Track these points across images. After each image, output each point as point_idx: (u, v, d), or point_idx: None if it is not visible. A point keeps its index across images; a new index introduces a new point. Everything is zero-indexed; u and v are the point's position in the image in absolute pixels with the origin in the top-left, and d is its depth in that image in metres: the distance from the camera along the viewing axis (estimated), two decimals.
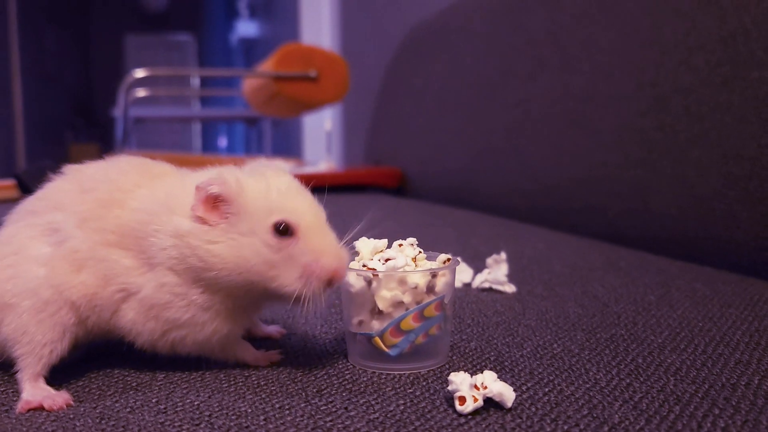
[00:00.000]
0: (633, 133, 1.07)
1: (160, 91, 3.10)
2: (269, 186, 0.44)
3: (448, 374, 0.45)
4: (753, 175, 0.84)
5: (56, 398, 0.41)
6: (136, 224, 0.43)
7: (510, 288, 0.68)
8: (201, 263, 0.42)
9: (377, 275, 0.45)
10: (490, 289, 0.69)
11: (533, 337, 0.53)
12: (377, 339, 0.46)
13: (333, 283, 0.43)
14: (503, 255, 0.70)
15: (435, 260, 0.49)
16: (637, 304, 0.62)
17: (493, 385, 0.39)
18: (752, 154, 0.84)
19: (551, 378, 0.44)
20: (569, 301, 0.64)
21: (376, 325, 0.46)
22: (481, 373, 0.40)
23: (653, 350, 0.50)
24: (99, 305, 0.44)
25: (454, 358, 0.48)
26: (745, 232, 0.84)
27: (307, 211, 0.44)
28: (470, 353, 0.50)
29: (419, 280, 0.46)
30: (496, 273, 0.69)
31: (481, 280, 0.70)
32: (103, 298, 0.44)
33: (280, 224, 0.42)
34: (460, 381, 0.39)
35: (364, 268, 0.46)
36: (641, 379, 0.44)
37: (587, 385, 0.43)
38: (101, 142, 3.88)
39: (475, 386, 0.39)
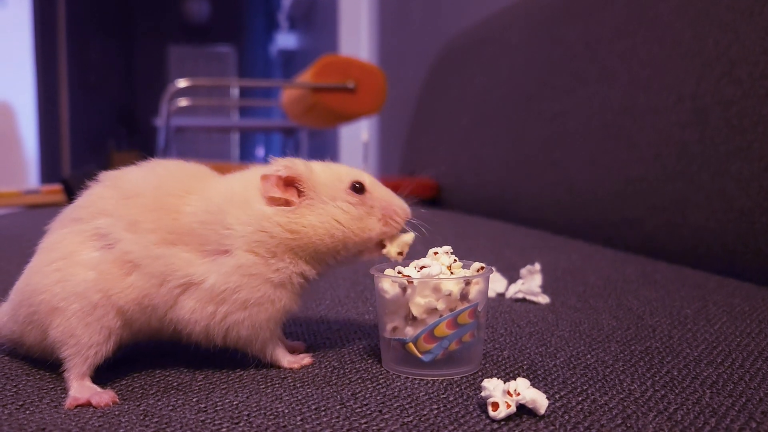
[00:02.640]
0: (672, 146, 1.06)
1: (200, 101, 3.16)
2: (325, 164, 0.50)
3: (481, 381, 0.45)
4: None
5: (102, 395, 0.42)
6: (198, 224, 0.46)
7: (544, 299, 0.68)
8: (293, 235, 0.46)
9: (412, 282, 0.46)
10: (524, 300, 0.69)
11: (566, 347, 0.53)
12: (411, 345, 0.47)
13: (405, 220, 0.50)
14: (537, 266, 0.70)
15: (469, 269, 0.49)
16: (673, 318, 0.62)
17: (527, 392, 0.39)
18: None
19: (584, 387, 0.44)
20: (603, 312, 0.64)
21: (410, 332, 0.47)
22: (514, 380, 0.40)
23: (689, 363, 0.49)
24: (152, 305, 0.45)
25: (487, 365, 0.49)
26: None
27: (364, 174, 0.51)
28: (503, 361, 0.50)
29: (453, 287, 0.46)
30: (530, 284, 0.69)
31: (515, 290, 0.70)
32: (158, 296, 0.45)
33: (356, 183, 0.49)
34: (493, 387, 0.40)
35: (399, 275, 0.47)
36: (676, 391, 0.44)
37: (621, 396, 0.43)
38: (142, 150, 3.97)
39: (509, 392, 0.39)
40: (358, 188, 0.49)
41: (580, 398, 0.42)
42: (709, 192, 0.96)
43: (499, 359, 0.50)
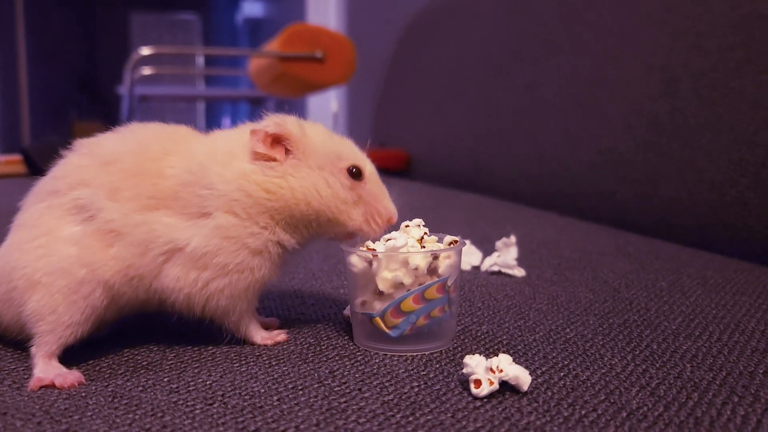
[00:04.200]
0: (642, 118, 1.06)
1: (165, 69, 3.08)
2: (322, 131, 0.48)
3: (461, 357, 0.44)
4: (767, 161, 0.83)
5: (68, 376, 0.40)
6: (181, 186, 0.44)
7: (519, 272, 0.67)
8: (269, 195, 0.44)
9: (377, 256, 0.45)
10: (500, 273, 0.68)
11: (545, 321, 0.53)
12: (378, 319, 0.46)
13: (389, 225, 0.48)
14: (513, 238, 0.69)
15: (442, 242, 0.48)
16: (649, 290, 0.62)
17: (509, 368, 0.38)
18: (766, 140, 0.83)
19: (566, 363, 0.43)
20: (580, 286, 0.63)
21: (378, 306, 0.46)
22: (496, 356, 0.39)
23: (667, 336, 0.49)
24: (137, 276, 0.43)
25: (466, 340, 0.48)
26: (757, 220, 0.83)
27: (366, 160, 0.49)
28: (482, 336, 0.49)
29: (420, 261, 0.45)
30: (506, 256, 0.68)
31: (491, 263, 0.69)
32: (143, 266, 0.43)
33: (354, 168, 0.47)
34: (475, 364, 0.39)
35: (365, 249, 0.46)
36: (657, 365, 0.43)
37: (603, 371, 0.42)
38: (105, 119, 3.87)
39: (491, 369, 0.38)
40: (354, 173, 0.47)
41: (561, 374, 0.42)
42: (679, 164, 0.97)
43: (478, 334, 0.50)
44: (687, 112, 0.97)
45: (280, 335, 0.48)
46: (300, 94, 3.10)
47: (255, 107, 3.83)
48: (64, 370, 0.41)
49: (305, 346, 0.47)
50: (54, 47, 3.98)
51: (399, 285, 0.45)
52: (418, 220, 0.49)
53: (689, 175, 0.94)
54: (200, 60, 3.94)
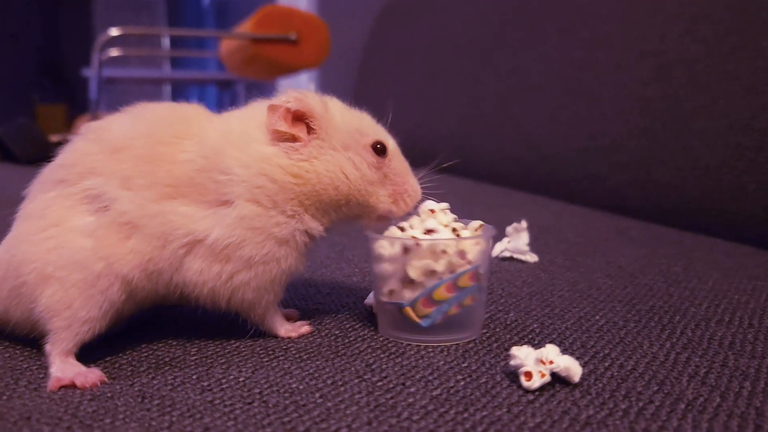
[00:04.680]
0: (634, 103, 1.06)
1: (134, 51, 2.99)
2: (343, 107, 0.45)
3: (498, 347, 0.43)
4: (763, 146, 0.83)
5: (89, 375, 0.38)
6: (196, 172, 0.41)
7: (532, 257, 0.66)
8: (295, 179, 0.42)
9: (419, 243, 0.43)
10: (511, 258, 0.67)
11: (571, 308, 0.51)
12: (408, 309, 0.44)
13: (415, 205, 0.46)
14: (524, 223, 0.68)
15: (467, 227, 0.46)
16: (665, 276, 0.61)
17: (560, 359, 0.37)
18: (762, 125, 0.83)
19: (606, 352, 0.42)
20: (595, 271, 0.62)
21: (408, 295, 0.44)
22: (522, 346, 0.38)
23: (699, 323, 0.48)
24: (157, 270, 0.41)
25: (497, 329, 0.47)
26: (753, 204, 0.83)
27: (386, 134, 0.46)
28: (511, 325, 0.48)
29: (455, 248, 0.43)
30: (517, 242, 0.67)
31: (501, 248, 0.68)
32: (162, 259, 0.40)
33: (378, 144, 0.44)
34: (524, 356, 0.37)
35: (402, 235, 0.44)
36: (699, 353, 0.42)
37: (646, 360, 0.41)
38: (69, 102, 3.75)
39: (541, 361, 0.37)
40: (379, 149, 0.44)
41: (606, 363, 0.40)
42: (673, 149, 0.96)
43: (507, 322, 0.48)
44: (681, 97, 0.96)
45: (303, 327, 0.46)
46: (272, 77, 3.05)
47: (223, 90, 3.76)
48: (83, 368, 0.38)
49: (331, 338, 0.45)
50: (15, 29, 3.84)
51: (431, 273, 0.43)
52: (444, 204, 0.47)
53: (684, 161, 0.94)
54: (166, 42, 3.85)
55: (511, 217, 0.74)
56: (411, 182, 0.46)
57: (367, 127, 0.45)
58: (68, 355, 0.39)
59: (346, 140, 0.43)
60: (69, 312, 0.38)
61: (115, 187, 0.40)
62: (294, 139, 0.42)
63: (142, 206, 0.40)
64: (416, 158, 0.47)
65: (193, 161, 0.41)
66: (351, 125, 0.44)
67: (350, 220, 0.46)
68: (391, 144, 0.45)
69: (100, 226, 0.40)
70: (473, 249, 0.44)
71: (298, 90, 0.44)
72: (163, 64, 4.00)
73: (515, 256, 0.66)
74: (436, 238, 0.44)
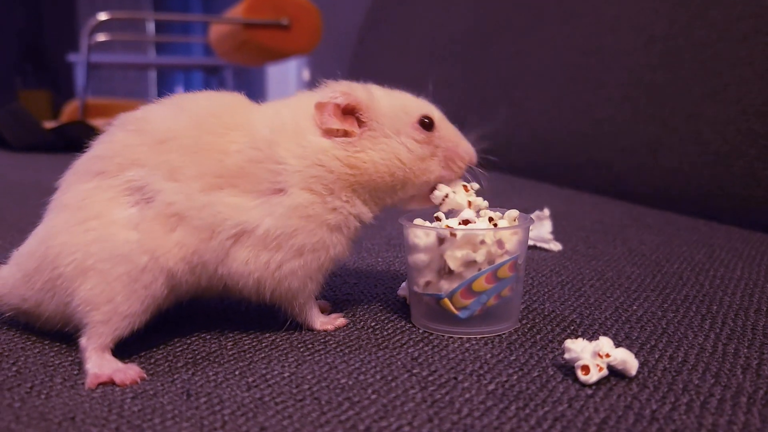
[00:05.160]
0: (642, 88, 1.05)
1: (122, 36, 2.94)
2: (384, 91, 0.45)
3: (541, 339, 0.42)
4: None
5: (128, 372, 0.36)
6: (247, 162, 0.40)
7: (556, 246, 0.65)
8: (353, 170, 0.42)
9: (455, 234, 0.42)
10: (535, 247, 0.66)
11: (605, 298, 0.51)
12: (446, 300, 0.43)
13: (471, 164, 0.46)
14: (546, 211, 0.67)
15: (504, 217, 0.45)
16: (691, 264, 0.60)
17: (616, 352, 0.36)
18: None
19: (653, 343, 0.41)
20: (621, 260, 0.62)
21: (446, 286, 0.43)
22: (577, 339, 0.37)
23: (738, 312, 0.48)
24: (201, 262, 0.39)
25: (536, 320, 0.46)
26: (765, 191, 0.83)
27: (431, 107, 0.46)
28: (549, 315, 0.47)
29: (493, 239, 0.42)
30: (540, 230, 0.66)
31: None
32: (208, 251, 0.39)
33: (425, 118, 0.44)
34: (580, 349, 0.36)
35: (437, 225, 0.43)
36: (745, 343, 0.42)
37: (695, 351, 0.40)
38: (52, 88, 3.68)
39: (598, 354, 0.36)
40: (426, 124, 0.44)
41: (655, 355, 0.39)
42: (682, 135, 0.96)
43: (544, 313, 0.47)
44: (690, 82, 0.95)
45: (338, 319, 0.45)
46: (261, 63, 3.02)
47: (210, 76, 3.71)
48: (121, 364, 0.37)
49: (369, 330, 0.44)
50: None
51: (470, 263, 0.42)
52: (475, 185, 0.47)
53: (692, 146, 0.94)
54: (151, 27, 3.79)
55: (522, 204, 0.73)
56: (462, 144, 0.46)
57: (410, 105, 0.44)
58: (105, 350, 0.37)
59: (396, 124, 0.43)
60: (110, 306, 0.37)
61: (159, 179, 0.39)
62: (347, 134, 0.42)
63: (189, 197, 0.39)
64: None
65: (243, 152, 0.40)
66: (396, 107, 0.44)
67: (402, 203, 0.46)
68: (436, 114, 0.45)
69: (144, 219, 0.38)
70: (512, 239, 0.43)
71: (342, 83, 0.44)
72: (149, 49, 3.94)
73: (539, 244, 0.66)
74: (472, 228, 0.43)
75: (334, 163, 0.41)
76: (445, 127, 0.45)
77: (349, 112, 0.42)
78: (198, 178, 0.39)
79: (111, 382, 0.36)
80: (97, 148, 0.41)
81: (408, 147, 0.43)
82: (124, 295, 0.37)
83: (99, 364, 0.36)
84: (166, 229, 0.38)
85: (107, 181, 0.39)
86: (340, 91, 0.42)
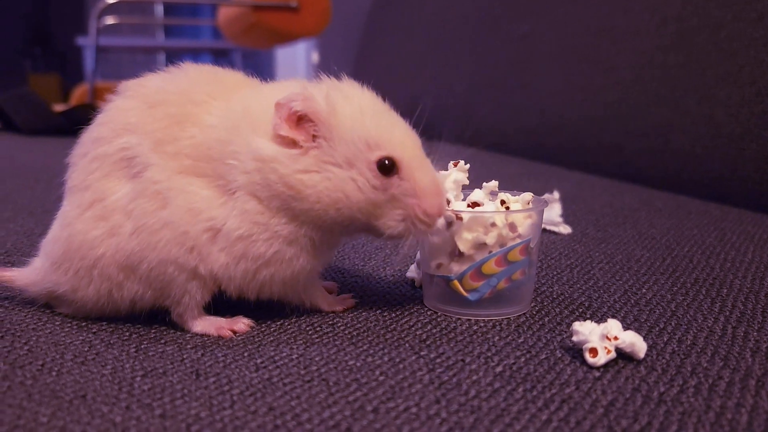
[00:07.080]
0: (654, 70, 1.04)
1: (130, 19, 2.94)
2: (361, 109, 0.38)
3: (550, 322, 0.42)
4: None
5: (236, 323, 0.41)
6: (213, 143, 0.38)
7: (565, 228, 0.65)
8: (291, 192, 0.37)
9: (461, 218, 0.42)
10: (544, 230, 0.66)
11: (615, 281, 0.50)
12: (456, 282, 0.43)
13: (434, 225, 0.39)
14: (556, 194, 0.67)
15: (517, 200, 0.45)
16: (701, 247, 0.60)
17: (624, 335, 0.36)
18: None
19: (661, 326, 0.41)
20: (630, 243, 0.61)
21: (456, 268, 0.43)
22: (585, 321, 0.37)
23: (748, 296, 0.47)
24: (194, 248, 0.39)
25: (544, 303, 0.46)
26: None
27: (406, 142, 0.39)
28: (558, 298, 0.47)
29: (504, 221, 0.42)
30: (550, 213, 0.66)
31: None
32: (193, 238, 0.38)
33: (385, 160, 0.37)
34: (588, 331, 0.36)
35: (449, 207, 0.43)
36: (755, 327, 0.41)
37: (704, 334, 0.40)
38: (61, 71, 3.68)
39: (606, 337, 0.36)
40: (386, 167, 0.37)
41: (664, 338, 0.39)
42: (694, 117, 0.95)
43: (553, 295, 0.47)
44: (704, 64, 0.94)
45: (347, 300, 0.45)
46: (270, 45, 3.01)
47: (218, 58, 3.70)
48: (222, 320, 0.41)
49: (377, 312, 0.44)
50: None
51: (481, 246, 0.42)
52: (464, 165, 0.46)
53: (705, 129, 0.93)
54: (159, 9, 3.78)
55: (531, 187, 0.72)
56: (427, 202, 0.38)
57: (376, 138, 0.37)
58: (200, 313, 0.40)
59: (350, 154, 0.37)
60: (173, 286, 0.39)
61: (148, 149, 0.38)
62: (295, 144, 0.37)
63: (169, 178, 0.38)
64: (421, 128, 0.43)
65: (216, 128, 0.38)
66: (357, 136, 0.37)
67: (362, 234, 0.42)
68: (407, 155, 0.38)
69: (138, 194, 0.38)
70: (524, 222, 0.43)
71: (310, 85, 0.39)
72: (157, 32, 3.93)
73: (548, 227, 0.65)
74: (483, 211, 0.43)
75: (272, 176, 0.37)
76: (413, 173, 0.38)
77: (309, 121, 0.37)
78: (175, 156, 0.38)
79: (233, 333, 0.40)
80: (100, 114, 0.41)
81: (358, 185, 0.37)
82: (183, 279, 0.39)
83: (206, 326, 0.40)
84: (156, 205, 0.38)
85: (102, 148, 0.39)
86: (302, 95, 0.37)
